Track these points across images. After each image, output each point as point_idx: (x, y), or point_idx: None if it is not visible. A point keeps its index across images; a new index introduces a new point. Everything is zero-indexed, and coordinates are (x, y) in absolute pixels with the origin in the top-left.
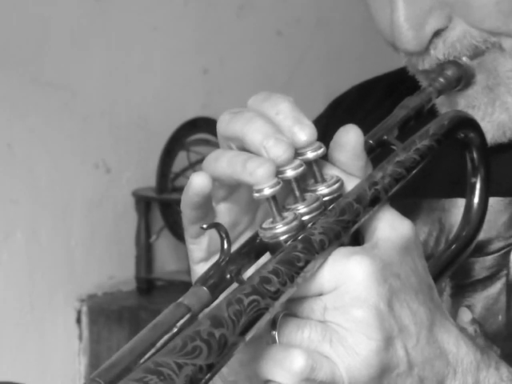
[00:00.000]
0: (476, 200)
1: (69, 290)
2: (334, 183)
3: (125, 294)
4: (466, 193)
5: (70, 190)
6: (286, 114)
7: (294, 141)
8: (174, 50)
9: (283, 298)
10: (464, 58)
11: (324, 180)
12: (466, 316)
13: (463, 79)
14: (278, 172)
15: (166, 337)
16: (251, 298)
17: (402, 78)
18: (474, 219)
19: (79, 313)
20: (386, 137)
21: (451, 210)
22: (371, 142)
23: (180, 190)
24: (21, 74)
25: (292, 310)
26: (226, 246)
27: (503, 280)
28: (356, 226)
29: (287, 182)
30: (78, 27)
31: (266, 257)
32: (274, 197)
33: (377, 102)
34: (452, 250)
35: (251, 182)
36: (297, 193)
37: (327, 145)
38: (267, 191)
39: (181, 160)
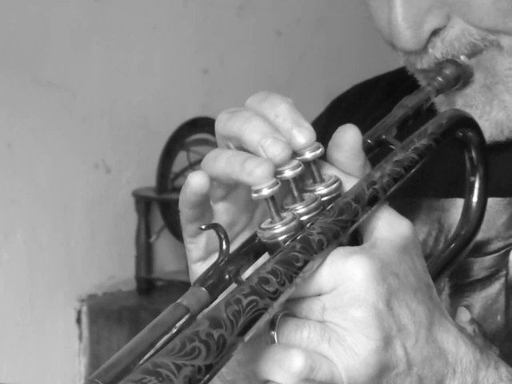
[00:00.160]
0: (475, 199)
1: (69, 290)
2: (333, 183)
3: (125, 294)
4: (465, 192)
5: (70, 190)
6: (284, 116)
7: (293, 143)
8: (174, 50)
9: (282, 299)
10: (462, 57)
11: (322, 180)
12: (464, 316)
13: (461, 78)
14: (277, 172)
15: (165, 337)
16: (250, 298)
17: (402, 78)
18: (473, 218)
19: (79, 313)
20: (384, 136)
21: (450, 210)
22: (370, 141)
23: (180, 190)
24: (21, 74)
25: (291, 310)
26: (224, 246)
27: (502, 280)
28: (354, 226)
29: (285, 182)
30: (77, 27)
31: (265, 257)
32: (272, 197)
33: (377, 101)
34: (451, 250)
35: (249, 182)
36: (295, 193)
37: (327, 144)
38: (265, 191)
39: (181, 160)
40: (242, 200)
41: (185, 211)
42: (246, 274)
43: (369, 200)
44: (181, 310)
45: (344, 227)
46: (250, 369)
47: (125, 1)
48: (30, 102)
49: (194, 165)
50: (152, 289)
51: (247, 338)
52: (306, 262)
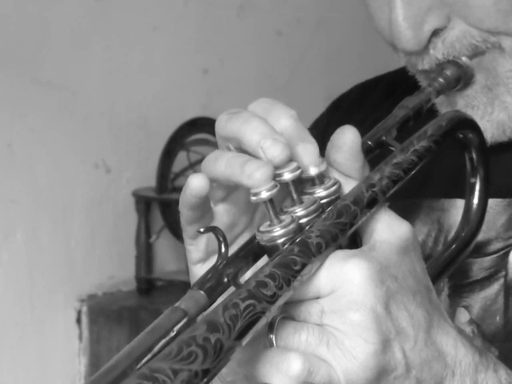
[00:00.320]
0: (475, 200)
1: (69, 290)
2: (332, 185)
3: (125, 294)
4: (466, 193)
5: (70, 190)
6: (289, 132)
7: (299, 161)
8: (174, 50)
9: (280, 302)
10: (463, 58)
11: (321, 182)
12: (463, 316)
13: (462, 79)
14: (276, 175)
15: (163, 341)
16: (247, 302)
17: (403, 78)
18: (474, 220)
19: (79, 313)
20: (384, 137)
21: (450, 211)
22: (369, 142)
23: (180, 190)
24: (21, 74)
25: (289, 313)
26: (223, 249)
27: (501, 281)
28: (353, 229)
29: (285, 185)
30: (77, 27)
31: (264, 260)
32: (271, 200)
33: (377, 101)
34: (451, 251)
35: (249, 184)
36: (294, 195)
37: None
38: (264, 194)
39: (181, 160)
40: (242, 201)
41: (185, 213)
42: (245, 276)
43: (368, 202)
44: (179, 314)
45: (343, 230)
46: (248, 370)
47: (125, 1)
48: (30, 102)
49: (194, 165)
50: (152, 289)
51: (244, 342)
52: (304, 266)
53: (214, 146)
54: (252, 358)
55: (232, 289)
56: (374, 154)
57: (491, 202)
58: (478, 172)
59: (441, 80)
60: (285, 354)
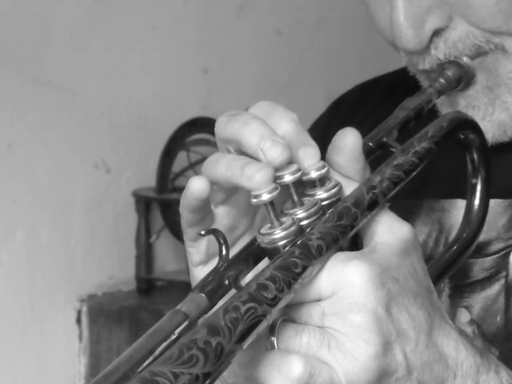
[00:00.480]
0: (477, 201)
1: (69, 290)
2: (333, 187)
3: (125, 294)
4: (467, 194)
5: (70, 190)
6: (290, 136)
7: (299, 164)
8: (174, 50)
9: (280, 305)
10: (465, 58)
11: (322, 184)
12: (464, 317)
13: (463, 79)
14: (276, 177)
15: (164, 344)
16: (248, 305)
17: (403, 78)
18: (475, 221)
19: (79, 313)
20: (385, 139)
21: (451, 211)
22: (371, 144)
23: (180, 190)
24: (21, 74)
25: (290, 316)
26: (224, 251)
27: (502, 281)
28: (354, 231)
29: (285, 187)
30: (77, 27)
31: (265, 262)
32: (271, 202)
33: (377, 102)
34: (452, 252)
35: (249, 187)
36: (295, 198)
37: (328, 145)
38: (265, 197)
39: (181, 160)
40: (243, 204)
41: (185, 215)
42: (246, 279)
43: (368, 204)
44: (180, 317)
45: (343, 232)
46: (250, 372)
47: (125, 1)
48: (30, 101)
49: (194, 165)
50: (152, 289)
51: (245, 345)
52: (304, 268)
53: (214, 146)
54: (253, 361)
55: (233, 291)
56: (374, 156)
57: (492, 202)
58: (479, 173)
59: (442, 80)
60: (286, 357)
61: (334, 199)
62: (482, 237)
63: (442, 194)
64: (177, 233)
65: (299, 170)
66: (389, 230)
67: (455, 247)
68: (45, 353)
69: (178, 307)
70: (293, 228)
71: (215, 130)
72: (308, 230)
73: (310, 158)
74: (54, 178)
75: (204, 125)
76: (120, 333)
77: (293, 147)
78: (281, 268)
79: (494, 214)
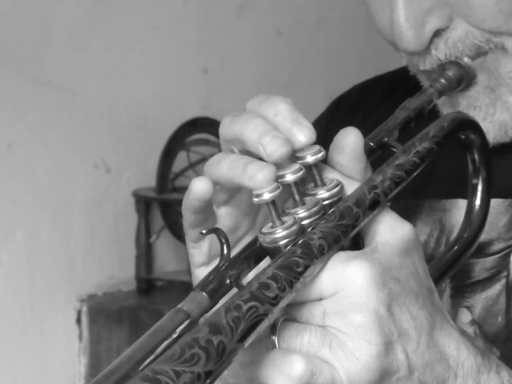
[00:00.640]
0: (477, 202)
1: (69, 290)
2: (334, 187)
3: (125, 294)
4: (468, 194)
5: (70, 190)
6: (284, 115)
7: (293, 142)
8: (174, 50)
9: (282, 304)
10: (465, 59)
11: (324, 184)
12: (465, 317)
13: (464, 80)
14: (278, 176)
15: (166, 343)
16: (250, 304)
17: (403, 78)
18: (476, 221)
19: (79, 313)
20: (386, 139)
21: (452, 211)
22: (372, 144)
23: (180, 189)
24: (21, 74)
25: (292, 315)
26: (225, 251)
27: (503, 281)
28: (356, 230)
29: (287, 187)
30: (77, 27)
31: (266, 261)
32: (273, 201)
33: (377, 101)
34: (453, 252)
35: (251, 186)
36: (296, 197)
37: (329, 144)
38: (267, 196)
39: (181, 160)
40: (245, 204)
41: (188, 216)
42: (247, 278)
43: (370, 204)
44: (181, 316)
45: (345, 232)
46: (251, 372)
47: (125, 1)
48: (30, 101)
49: (194, 165)
50: (152, 289)
51: (247, 344)
52: (306, 267)
53: (214, 145)
54: (254, 360)
55: (234, 290)
56: (375, 156)
57: (493, 202)
58: (479, 173)
59: (442, 81)
60: (287, 356)
61: (335, 199)
62: (483, 237)
63: (444, 193)
64: (177, 233)
65: (301, 169)
66: (390, 230)
67: (456, 247)
68: (45, 353)
69: (179, 306)
70: (294, 227)
71: (219, 131)
72: (309, 229)
73: (303, 136)
74: (54, 177)
75: (204, 125)
76: (120, 333)
77: (287, 125)
78: (283, 267)
79: (495, 214)
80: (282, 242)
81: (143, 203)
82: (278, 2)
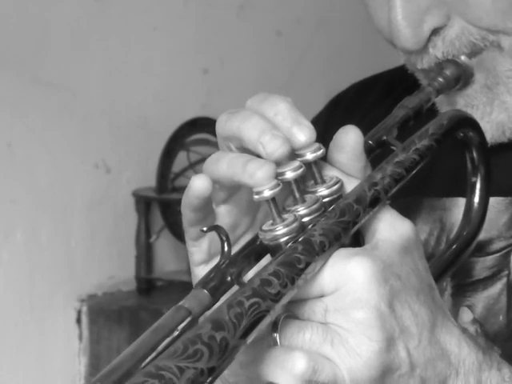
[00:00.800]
0: (476, 200)
1: (69, 290)
2: (334, 184)
3: (125, 294)
4: (467, 192)
5: (70, 190)
6: (284, 114)
7: (293, 141)
8: (174, 50)
9: (284, 301)
10: (463, 57)
11: (324, 181)
12: (466, 316)
13: (462, 78)
14: (278, 174)
15: (167, 340)
16: (252, 300)
17: (402, 76)
18: (475, 219)
19: (79, 313)
20: (385, 137)
21: (452, 209)
22: (371, 142)
23: (180, 189)
24: (21, 74)
25: (293, 312)
26: (226, 248)
27: (504, 280)
28: (356, 227)
29: (287, 184)
30: (77, 27)
31: (267, 259)
32: (273, 199)
33: (376, 99)
34: (453, 250)
35: (251, 183)
36: (297, 194)
37: (327, 142)
38: (267, 193)
39: (181, 160)
40: (244, 202)
41: (187, 214)
42: (248, 275)
43: (370, 201)
44: (182, 313)
45: (346, 228)
46: (252, 371)
47: (125, 1)
48: (30, 101)
49: (194, 165)
50: (152, 289)
51: (249, 340)
52: (307, 264)
53: (214, 145)
54: (255, 359)
55: (235, 288)
56: (375, 154)
57: (493, 200)
58: (478, 171)
59: (440, 79)
60: (289, 353)
61: (335, 196)
62: (484, 235)
63: (444, 192)
64: (177, 233)
65: (301, 166)
66: (390, 227)
67: (455, 246)
68: (45, 353)
69: (180, 303)
70: (295, 224)
71: (216, 128)
72: (310, 226)
73: (303, 135)
74: (54, 177)
75: (204, 125)
76: (120, 333)
77: (287, 125)
78: (284, 264)
79: (495, 212)
80: (283, 240)
81: (143, 203)
82: (278, 2)
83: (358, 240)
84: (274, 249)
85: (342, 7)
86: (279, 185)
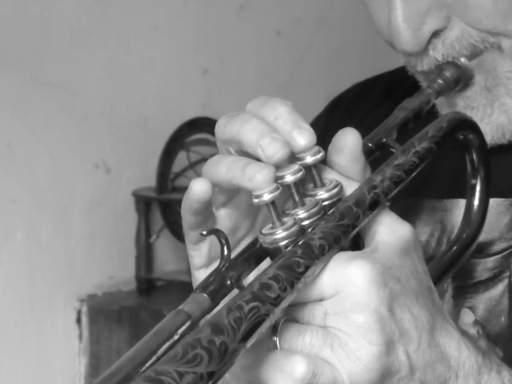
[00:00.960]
0: (476, 201)
1: (69, 290)
2: (334, 187)
3: (125, 294)
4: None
5: (70, 190)
6: (284, 118)
7: (293, 145)
8: (174, 50)
9: (283, 304)
10: (462, 59)
11: (323, 184)
12: (468, 317)
13: (462, 80)
14: (277, 177)
15: (167, 344)
16: (251, 304)
17: (402, 77)
18: (475, 221)
19: (79, 313)
20: (385, 139)
21: (453, 211)
22: (370, 144)
23: (180, 189)
24: (21, 74)
25: (293, 316)
26: (225, 252)
27: (505, 282)
28: (356, 231)
29: (286, 187)
30: (77, 27)
31: (267, 262)
32: (273, 202)
33: (376, 101)
34: (453, 252)
35: (250, 187)
36: (296, 198)
37: (327, 144)
38: (266, 197)
39: (181, 160)
40: (244, 205)
41: (187, 218)
42: (248, 279)
43: (370, 204)
44: (182, 317)
45: (345, 232)
46: (252, 374)
47: (125, 1)
48: (30, 101)
49: (194, 165)
50: (152, 289)
51: (249, 344)
52: (307, 268)
53: (214, 145)
54: (256, 363)
55: (235, 292)
56: (374, 156)
57: (494, 201)
58: (478, 173)
59: (440, 81)
60: (289, 357)
61: (334, 199)
62: (485, 237)
63: (444, 193)
64: (177, 233)
65: (300, 169)
66: (390, 230)
67: (455, 247)
68: (45, 353)
69: (180, 307)
70: (294, 228)
71: (215, 132)
72: (309, 229)
73: (303, 139)
74: (54, 177)
75: (204, 125)
76: (120, 333)
77: (287, 129)
78: (284, 267)
79: (496, 214)
80: (283, 243)
81: (143, 203)
82: (278, 2)
83: (357, 243)
84: (273, 252)
85: (341, 7)
86: (279, 188)
